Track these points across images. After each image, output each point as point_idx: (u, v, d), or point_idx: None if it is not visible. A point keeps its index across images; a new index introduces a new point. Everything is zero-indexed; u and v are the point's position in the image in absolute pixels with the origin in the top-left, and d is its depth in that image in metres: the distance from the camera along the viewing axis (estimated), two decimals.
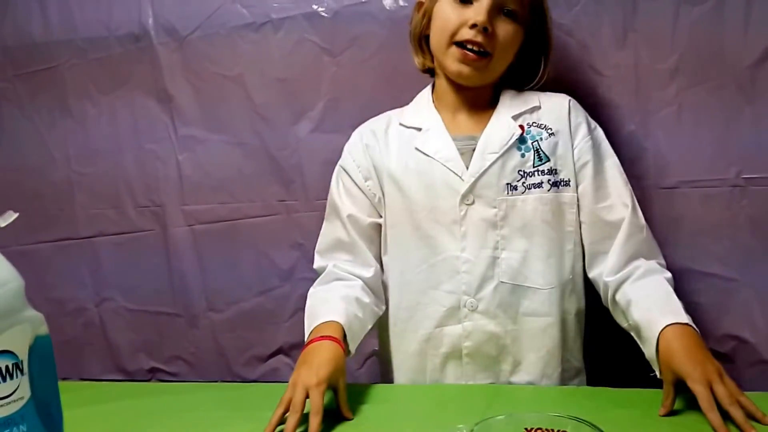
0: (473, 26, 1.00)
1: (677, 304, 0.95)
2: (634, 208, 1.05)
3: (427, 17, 1.09)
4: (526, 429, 0.65)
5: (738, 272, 1.17)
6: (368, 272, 1.12)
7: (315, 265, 1.17)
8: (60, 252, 1.53)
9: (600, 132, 1.10)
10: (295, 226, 1.40)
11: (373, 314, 1.12)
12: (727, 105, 1.14)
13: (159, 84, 1.43)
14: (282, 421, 0.87)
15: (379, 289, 1.14)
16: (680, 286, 1.21)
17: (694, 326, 0.92)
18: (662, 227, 1.19)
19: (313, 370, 0.91)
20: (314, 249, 1.35)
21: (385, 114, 1.18)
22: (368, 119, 1.30)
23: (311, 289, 1.13)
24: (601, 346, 1.16)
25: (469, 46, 1.02)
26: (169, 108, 1.44)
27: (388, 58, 1.30)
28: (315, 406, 0.87)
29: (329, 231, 1.16)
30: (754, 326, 1.17)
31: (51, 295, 1.52)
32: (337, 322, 1.00)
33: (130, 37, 1.43)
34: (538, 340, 1.05)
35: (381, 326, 1.16)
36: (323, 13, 1.32)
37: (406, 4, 1.27)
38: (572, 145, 1.07)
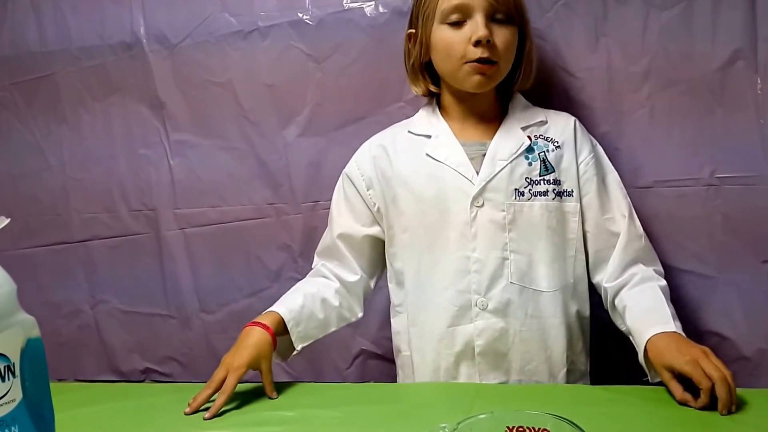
0: (477, 43, 1.04)
1: (666, 313, 0.99)
2: (631, 218, 1.10)
3: (425, 47, 1.11)
4: (507, 428, 0.65)
5: (716, 269, 1.19)
6: (352, 278, 1.18)
7: (312, 265, 1.23)
8: (56, 255, 1.55)
9: (600, 148, 1.15)
10: (284, 228, 1.42)
11: (340, 317, 1.17)
12: (698, 106, 1.17)
13: (151, 91, 1.46)
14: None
15: (359, 296, 1.19)
16: None
17: (682, 333, 0.95)
18: None
19: (237, 353, 1.01)
20: (301, 250, 1.40)
21: (390, 127, 1.22)
22: (351, 123, 1.34)
23: None
24: (605, 350, 1.18)
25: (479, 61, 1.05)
26: (161, 114, 1.46)
27: (369, 63, 1.32)
28: (225, 386, 0.97)
29: (326, 237, 1.22)
30: (734, 323, 1.18)
31: (47, 297, 1.55)
32: (280, 314, 1.07)
33: (122, 46, 1.46)
34: (545, 342, 1.08)
35: (400, 329, 1.18)
36: (308, 21, 1.35)
37: (386, 11, 1.30)
38: (576, 160, 1.11)
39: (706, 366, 0.86)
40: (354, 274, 1.18)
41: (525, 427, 0.65)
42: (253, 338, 1.03)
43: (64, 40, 1.50)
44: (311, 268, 1.23)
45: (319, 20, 1.34)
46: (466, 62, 1.06)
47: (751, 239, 1.16)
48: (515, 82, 1.14)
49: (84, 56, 1.49)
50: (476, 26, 1.04)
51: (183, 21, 1.42)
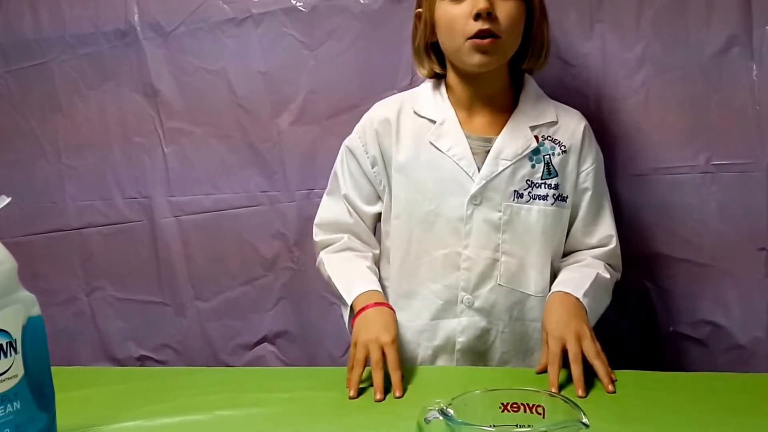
0: (477, 17, 0.99)
1: (582, 284, 1.00)
2: (617, 240, 1.10)
3: (430, 25, 1.07)
4: (502, 404, 0.66)
5: (711, 257, 1.19)
6: (376, 250, 1.17)
7: (316, 239, 1.18)
8: (51, 243, 1.55)
9: (601, 159, 1.11)
10: (278, 216, 1.42)
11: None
12: (693, 93, 1.17)
13: (145, 78, 1.45)
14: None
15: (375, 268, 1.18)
16: (654, 272, 1.23)
17: (585, 305, 0.97)
18: (633, 214, 1.22)
19: (383, 330, 0.98)
20: (295, 239, 1.39)
21: (397, 96, 1.16)
22: (345, 111, 1.32)
23: (325, 255, 1.15)
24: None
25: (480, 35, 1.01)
26: (155, 102, 1.46)
27: (362, 50, 1.32)
28: (395, 362, 0.94)
29: (331, 207, 1.17)
30: (729, 311, 1.18)
31: (42, 285, 1.54)
32: (378, 292, 1.06)
33: (116, 34, 1.45)
34: (525, 344, 1.08)
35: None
36: (301, 8, 1.34)
37: None
38: (578, 167, 1.08)
39: (570, 348, 0.90)
40: (374, 246, 1.17)
41: (520, 404, 0.66)
42: (388, 317, 1.01)
43: (59, 27, 1.49)
44: (306, 257, 1.21)
45: (312, 7, 1.34)
46: (468, 38, 1.01)
47: (747, 227, 1.16)
48: (524, 61, 1.09)
49: (78, 44, 1.48)
50: None
51: (177, 8, 1.41)
